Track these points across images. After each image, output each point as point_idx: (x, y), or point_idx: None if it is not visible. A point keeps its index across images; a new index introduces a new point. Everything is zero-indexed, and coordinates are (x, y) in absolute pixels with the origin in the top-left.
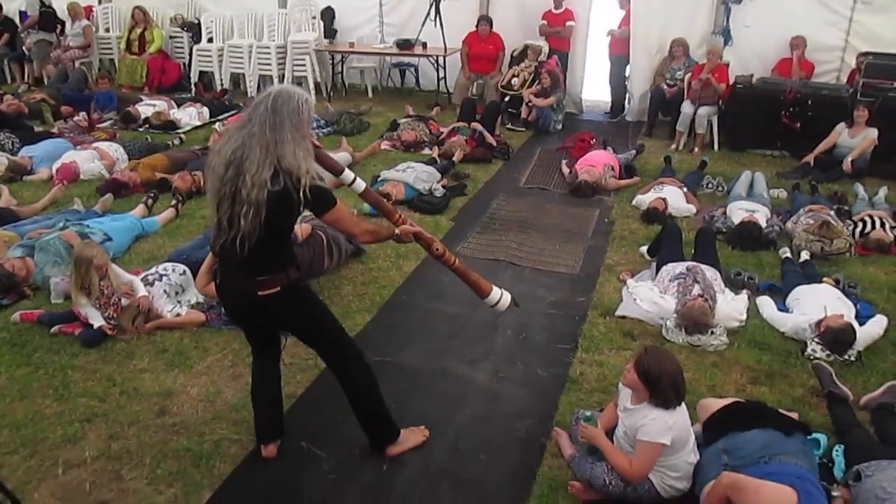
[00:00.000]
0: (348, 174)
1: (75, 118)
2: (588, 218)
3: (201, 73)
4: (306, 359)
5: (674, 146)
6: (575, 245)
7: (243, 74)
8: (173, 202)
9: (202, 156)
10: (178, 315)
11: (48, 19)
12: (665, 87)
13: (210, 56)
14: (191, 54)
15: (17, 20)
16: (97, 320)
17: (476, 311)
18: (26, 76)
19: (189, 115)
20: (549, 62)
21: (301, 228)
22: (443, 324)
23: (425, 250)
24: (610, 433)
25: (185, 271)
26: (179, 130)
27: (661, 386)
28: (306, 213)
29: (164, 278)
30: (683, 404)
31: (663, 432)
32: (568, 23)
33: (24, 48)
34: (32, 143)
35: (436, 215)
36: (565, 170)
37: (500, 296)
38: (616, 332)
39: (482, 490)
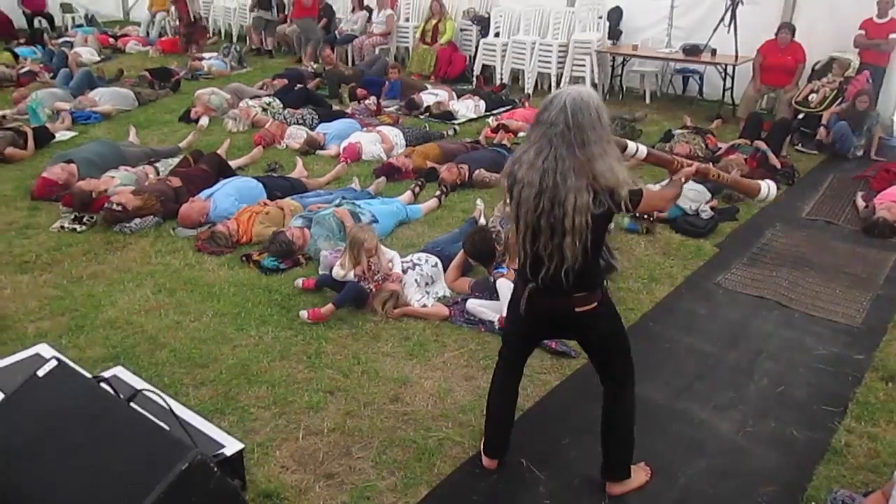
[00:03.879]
0: (631, 147)
1: (366, 101)
2: (881, 262)
3: (484, 66)
4: (540, 373)
5: None
6: (860, 292)
7: (523, 70)
8: (438, 192)
9: (471, 149)
10: (424, 306)
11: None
12: None
13: (494, 50)
14: (477, 47)
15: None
16: None
17: (730, 353)
18: (337, 58)
19: (466, 107)
20: (859, 78)
21: None
22: (691, 360)
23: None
24: None
25: (436, 263)
26: (455, 121)
27: None
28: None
29: (417, 268)
30: None
31: None
32: (892, 35)
33: (336, 32)
34: (328, 120)
35: (699, 239)
36: (860, 203)
37: (768, 189)
38: None
39: None
